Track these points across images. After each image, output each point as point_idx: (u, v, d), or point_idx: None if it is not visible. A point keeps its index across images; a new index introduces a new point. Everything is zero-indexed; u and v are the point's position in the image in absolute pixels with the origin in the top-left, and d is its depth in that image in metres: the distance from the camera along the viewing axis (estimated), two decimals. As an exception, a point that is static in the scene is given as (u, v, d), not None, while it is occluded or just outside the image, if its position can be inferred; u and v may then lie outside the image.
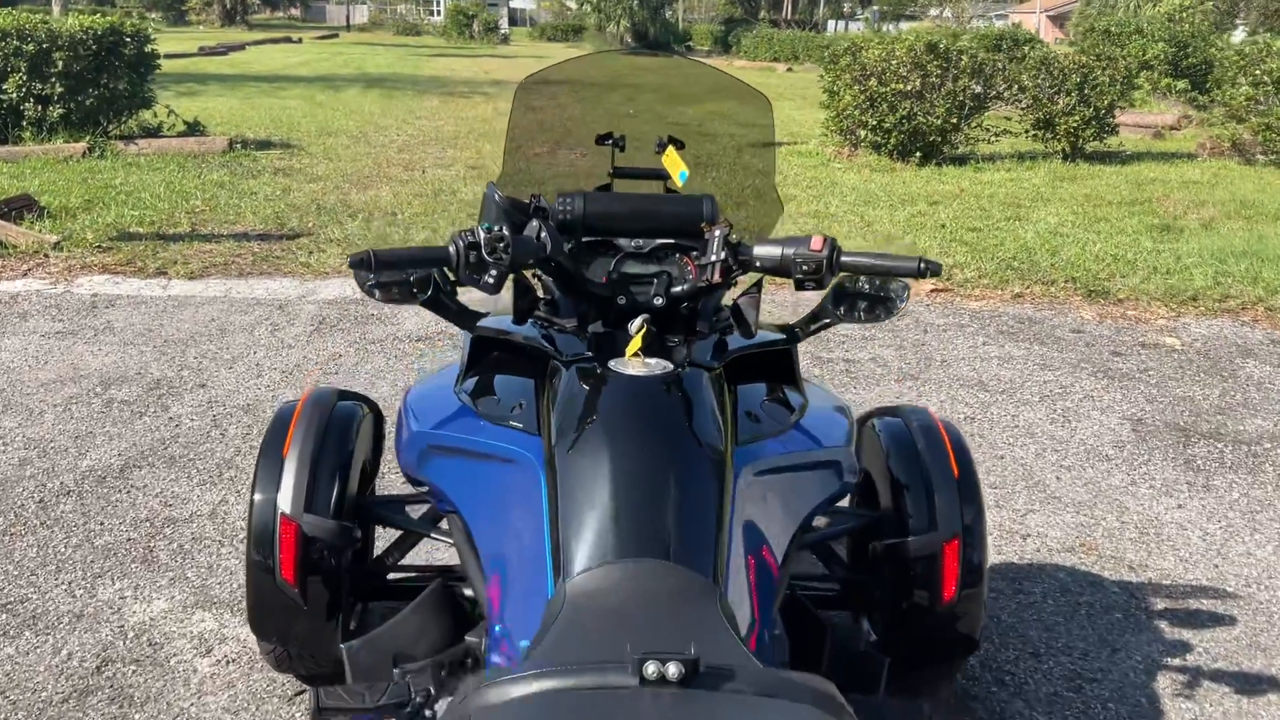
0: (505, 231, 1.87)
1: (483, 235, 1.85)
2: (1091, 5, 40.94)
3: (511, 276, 1.90)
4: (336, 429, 2.44)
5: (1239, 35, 26.73)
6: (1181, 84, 18.48)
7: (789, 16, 68.29)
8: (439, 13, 71.15)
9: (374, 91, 20.24)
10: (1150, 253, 7.64)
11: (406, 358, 5.21)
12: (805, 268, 1.93)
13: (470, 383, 2.22)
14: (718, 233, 1.97)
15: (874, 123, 12.26)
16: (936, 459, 2.36)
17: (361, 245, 7.46)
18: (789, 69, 36.42)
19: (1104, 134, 12.82)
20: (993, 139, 12.78)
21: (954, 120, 12.25)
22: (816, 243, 1.93)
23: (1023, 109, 13.01)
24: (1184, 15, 19.62)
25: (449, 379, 2.30)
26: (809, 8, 75.97)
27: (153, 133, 11.90)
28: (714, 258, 1.96)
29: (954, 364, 5.30)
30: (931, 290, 6.53)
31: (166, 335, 5.45)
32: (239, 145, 11.84)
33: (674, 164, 2.26)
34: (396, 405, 2.33)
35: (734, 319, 2.10)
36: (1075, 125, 12.46)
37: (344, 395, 2.63)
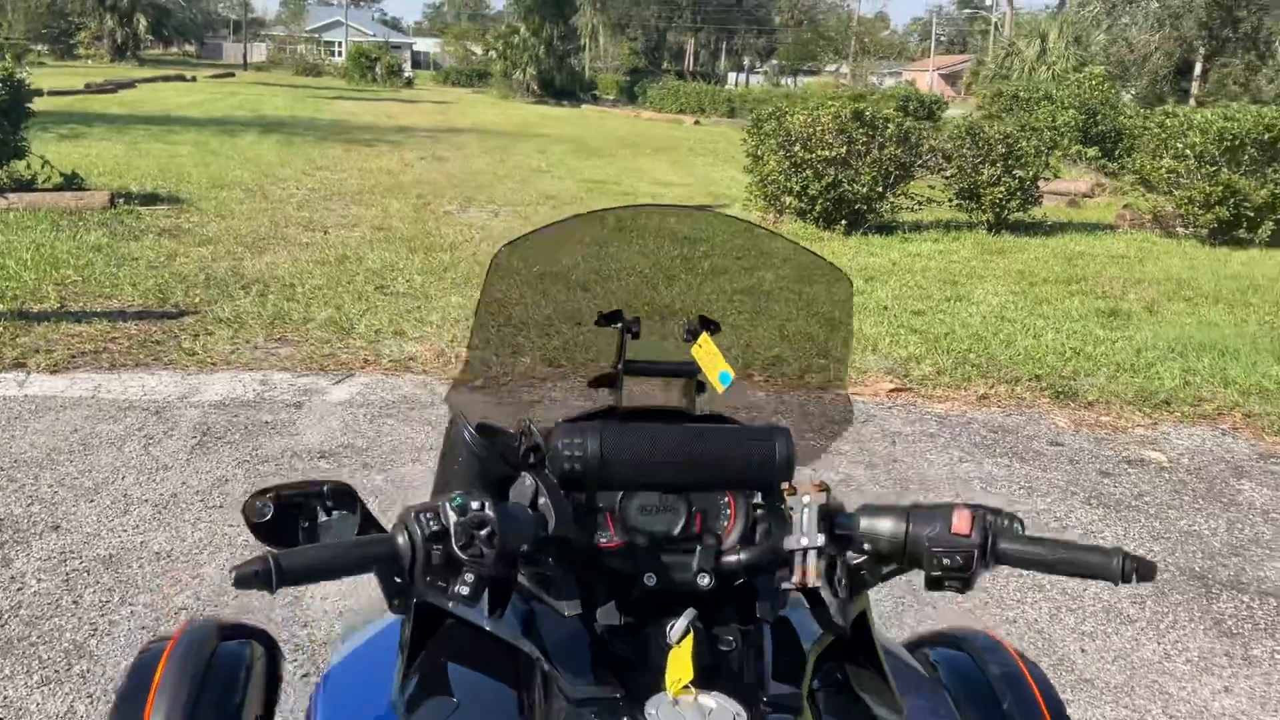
0: (489, 509, 1.20)
1: (453, 519, 1.18)
2: (982, 66, 41.90)
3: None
4: (218, 682, 1.75)
5: (1126, 98, 27.34)
6: (1092, 151, 18.61)
7: (691, 68, 68.95)
8: (340, 53, 70.02)
9: (271, 137, 19.25)
10: (1105, 343, 7.25)
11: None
12: (947, 560, 1.29)
13: (413, 687, 1.52)
14: (807, 501, 1.32)
15: (799, 188, 11.85)
16: (1021, 699, 1.75)
17: (255, 326, 6.65)
18: (696, 122, 36.39)
19: (1028, 204, 12.62)
20: (917, 207, 12.48)
21: (880, 189, 11.91)
22: (961, 522, 1.29)
23: (947, 178, 12.75)
24: (1092, 85, 19.79)
25: (381, 668, 1.60)
26: (710, 60, 76.90)
27: (25, 186, 10.82)
28: (804, 540, 1.31)
29: (933, 487, 4.73)
30: (892, 390, 5.99)
31: (17, 453, 4.58)
32: (122, 200, 10.85)
33: (711, 358, 1.61)
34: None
35: (807, 597, 1.45)
36: (1001, 196, 12.22)
37: (229, 630, 1.92)
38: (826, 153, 11.66)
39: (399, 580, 1.22)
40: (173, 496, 4.24)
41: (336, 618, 3.36)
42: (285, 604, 3.41)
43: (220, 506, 4.17)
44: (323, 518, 1.58)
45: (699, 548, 1.42)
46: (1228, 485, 4.97)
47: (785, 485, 1.34)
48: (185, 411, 5.19)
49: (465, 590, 1.19)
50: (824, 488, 1.33)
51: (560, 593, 1.41)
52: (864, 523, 1.33)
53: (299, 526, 1.57)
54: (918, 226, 12.32)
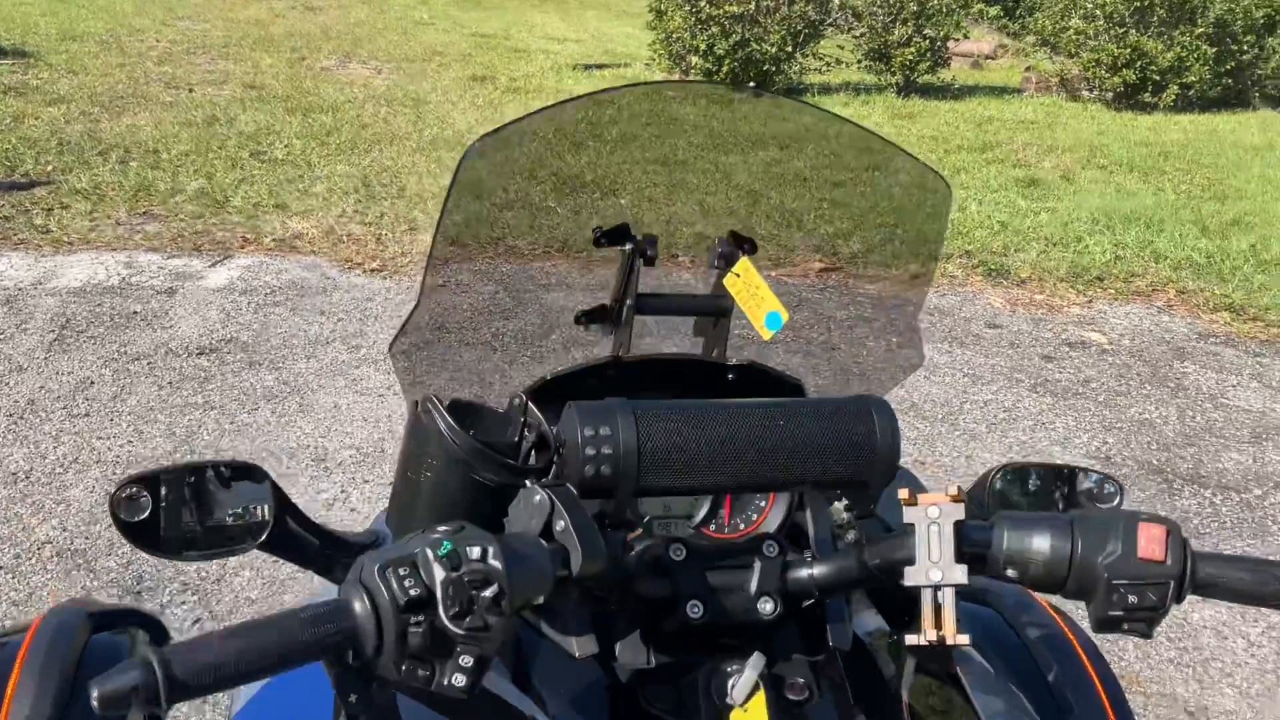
0: (493, 557, 0.80)
1: (440, 576, 0.78)
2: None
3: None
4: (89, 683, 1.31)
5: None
6: (994, 10, 18.27)
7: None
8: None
9: (125, -17, 17.59)
10: (1030, 215, 7.01)
11: (188, 383, 3.91)
12: (1134, 598, 0.92)
13: None
14: (936, 515, 0.93)
15: (704, 46, 11.24)
16: (1069, 675, 1.44)
17: (116, 199, 5.93)
18: (586, -27, 34.85)
19: (937, 66, 12.26)
20: (826, 69, 12.02)
21: (789, 48, 11.38)
22: (1151, 543, 0.91)
23: (857, 38, 12.28)
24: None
25: (311, 697, 1.19)
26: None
27: None
28: (936, 575, 0.92)
29: (874, 376, 4.42)
30: (822, 270, 5.64)
31: None
32: (-46, 52, 9.69)
33: (751, 291, 1.20)
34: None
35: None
36: (911, 57, 11.81)
37: (103, 617, 1.48)
38: (734, 8, 11.05)
39: (355, 664, 0.80)
40: (29, 404, 3.68)
41: (246, 604, 2.91)
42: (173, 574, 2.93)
43: (86, 415, 3.63)
44: (222, 509, 1.15)
45: (757, 562, 1.02)
46: (1171, 369, 4.79)
47: (904, 493, 0.94)
48: (40, 300, 4.56)
49: (461, 680, 0.79)
50: (960, 497, 0.93)
51: (567, 625, 1.00)
52: (1008, 539, 0.94)
53: (184, 523, 1.14)
54: (827, 89, 11.87)
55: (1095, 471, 1.36)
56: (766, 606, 1.01)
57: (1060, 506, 1.34)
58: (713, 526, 1.18)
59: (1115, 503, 1.32)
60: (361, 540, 1.28)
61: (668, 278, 1.29)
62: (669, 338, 1.35)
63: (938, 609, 0.91)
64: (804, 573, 1.02)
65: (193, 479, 1.12)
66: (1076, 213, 7.16)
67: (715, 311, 1.29)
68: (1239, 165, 9.21)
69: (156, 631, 1.52)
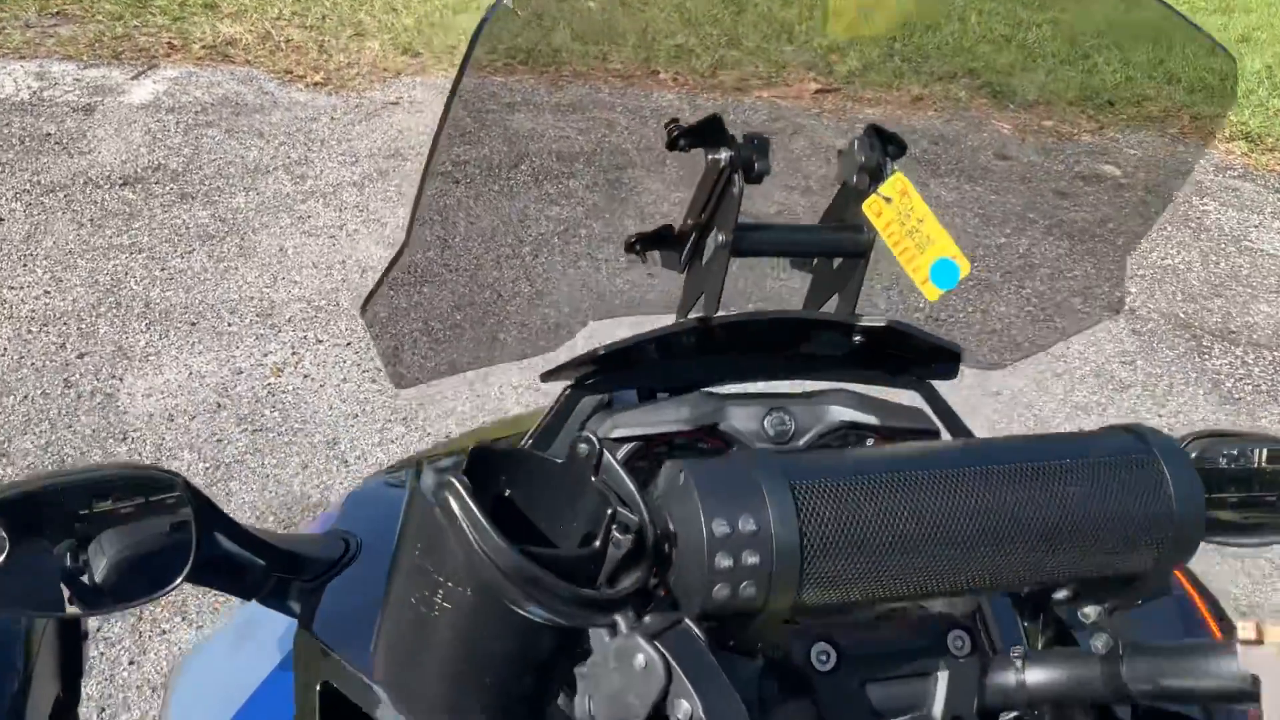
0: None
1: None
2: None
3: None
4: None
5: None
6: None
7: None
8: None
9: None
10: (1033, 27, 6.49)
11: (112, 220, 3.44)
12: None
13: None
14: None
15: None
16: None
17: (22, -3, 5.22)
18: None
19: None
20: None
21: None
22: None
23: None
24: None
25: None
26: None
27: None
28: None
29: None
30: (818, 91, 5.16)
31: None
32: None
33: (911, 224, 0.82)
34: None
35: None
36: None
37: None
38: None
39: None
40: (-77, 248, 3.21)
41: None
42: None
43: (-8, 261, 3.17)
44: (122, 540, 0.81)
45: (942, 667, 0.67)
46: (1192, 206, 4.46)
47: (1248, 627, 0.58)
48: (-66, 119, 3.99)
49: None
50: None
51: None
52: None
53: (66, 565, 0.80)
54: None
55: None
56: None
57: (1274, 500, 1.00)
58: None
59: None
60: (320, 552, 0.92)
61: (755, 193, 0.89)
62: (761, 284, 0.97)
63: None
64: (1011, 678, 0.68)
65: (68, 500, 0.75)
66: (1082, 24, 6.65)
67: (847, 251, 0.90)
68: (1244, -26, 8.66)
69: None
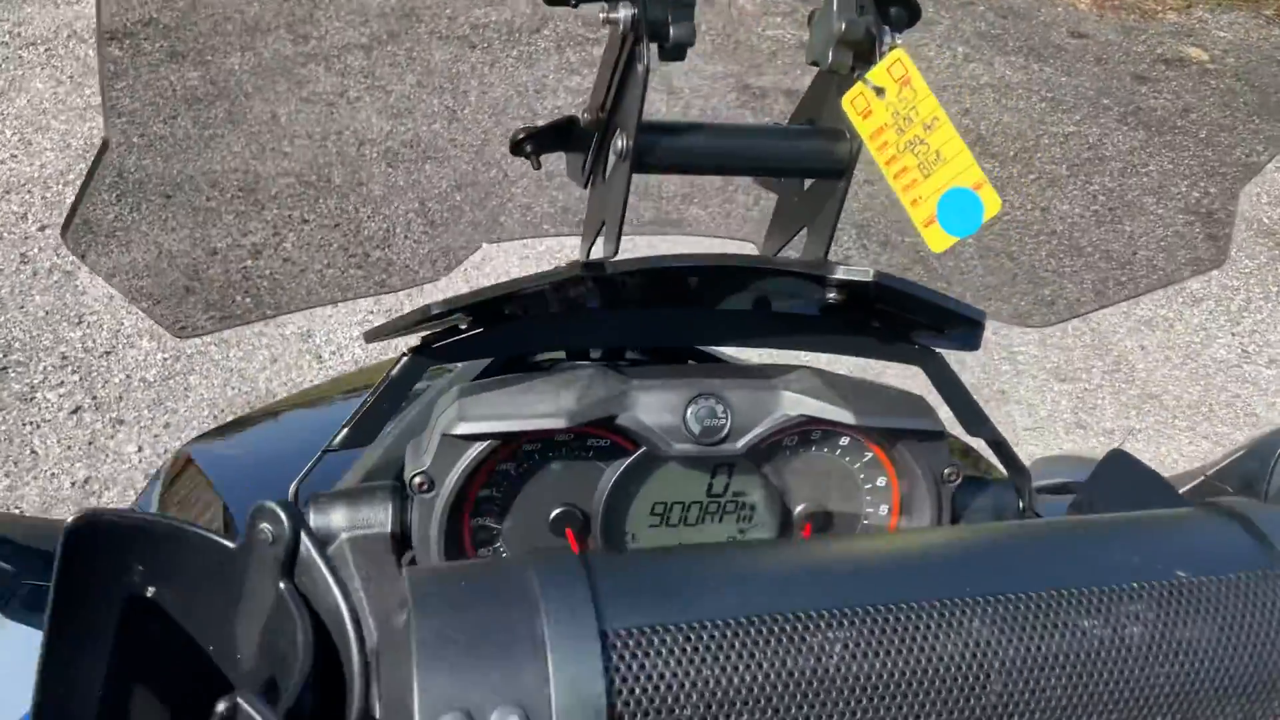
0: None
1: None
2: None
3: None
4: None
5: None
6: None
7: None
8: None
9: None
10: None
11: (95, 79, 3.17)
12: None
13: None
14: None
15: None
16: None
17: None
18: None
19: None
20: None
21: None
22: None
23: None
24: None
25: None
26: None
27: None
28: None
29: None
30: None
31: None
32: None
33: (912, 128, 0.53)
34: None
35: None
36: None
37: None
38: None
39: None
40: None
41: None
42: (51, 342, 2.35)
43: (-40, 120, 2.93)
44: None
45: None
46: (1287, 97, 4.02)
47: None
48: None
49: None
50: None
51: None
52: None
53: None
54: None
55: None
56: None
57: None
58: None
59: None
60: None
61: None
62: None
63: None
64: None
65: None
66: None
67: (816, 167, 0.62)
68: None
69: None
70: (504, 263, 2.77)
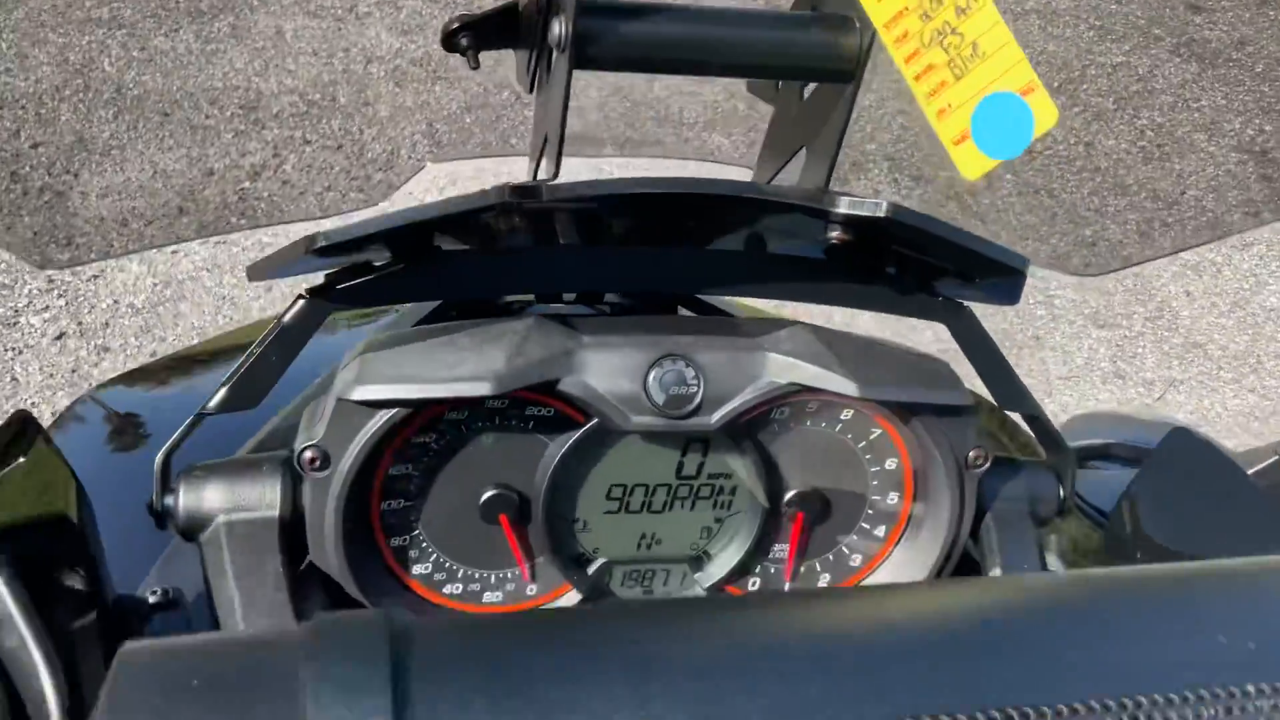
0: None
1: None
2: None
3: None
4: None
5: None
6: None
7: None
8: None
9: None
10: None
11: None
12: None
13: None
14: None
15: None
16: None
17: None
18: None
19: None
20: None
21: None
22: None
23: None
24: None
25: None
26: None
27: None
28: None
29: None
30: None
31: None
32: None
33: (943, 23, 0.40)
34: None
35: None
36: None
37: None
38: None
39: None
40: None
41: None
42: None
43: (-47, 30, 2.81)
44: None
45: None
46: (1351, 30, 3.79)
47: None
48: None
49: None
50: None
51: None
52: None
53: None
54: None
55: None
56: None
57: None
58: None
59: None
60: None
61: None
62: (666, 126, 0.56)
63: None
64: None
65: None
66: None
67: (816, 68, 0.49)
68: None
69: None
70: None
